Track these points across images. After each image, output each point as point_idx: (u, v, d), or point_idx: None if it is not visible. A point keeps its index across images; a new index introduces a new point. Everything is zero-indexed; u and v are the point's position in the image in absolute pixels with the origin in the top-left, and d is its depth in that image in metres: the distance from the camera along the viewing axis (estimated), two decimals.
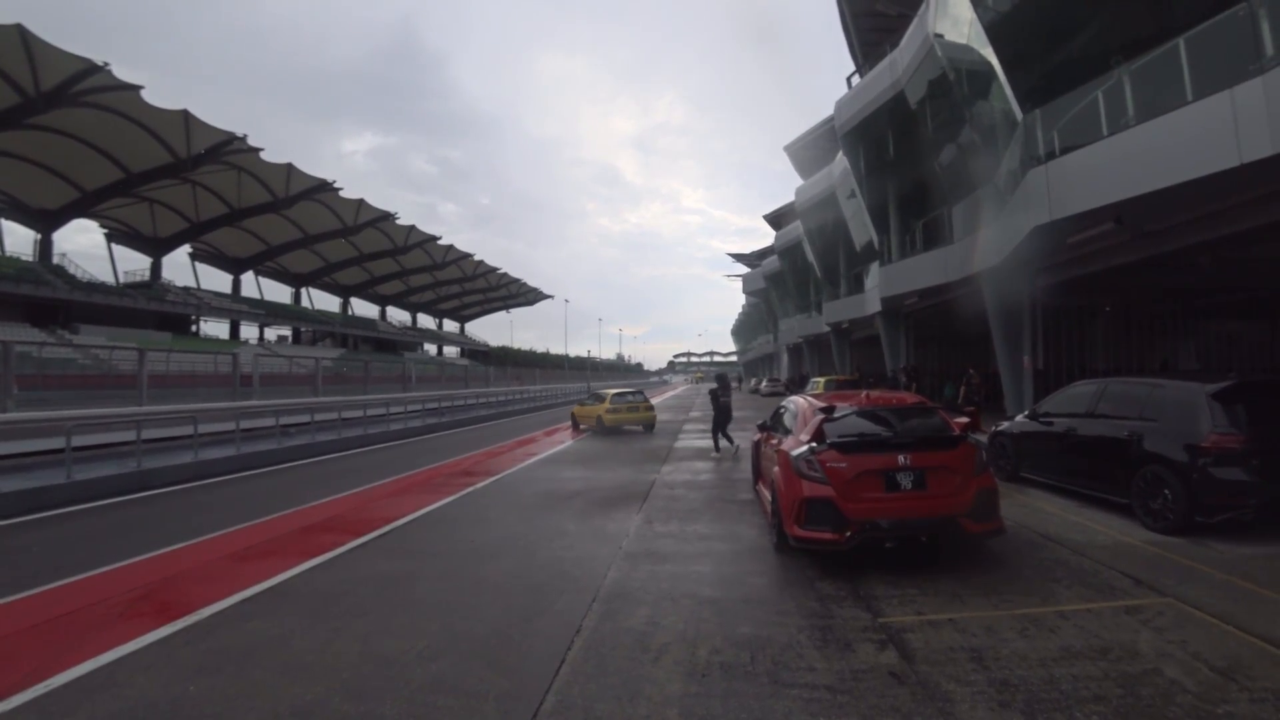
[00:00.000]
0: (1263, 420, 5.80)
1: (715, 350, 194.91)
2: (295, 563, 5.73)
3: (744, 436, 15.13)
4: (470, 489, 9.51)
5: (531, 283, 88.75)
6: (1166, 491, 5.98)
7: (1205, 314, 19.33)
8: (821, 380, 21.97)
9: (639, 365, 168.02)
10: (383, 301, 75.53)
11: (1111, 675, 3.27)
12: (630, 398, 19.16)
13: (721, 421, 13.27)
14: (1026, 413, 8.77)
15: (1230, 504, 5.62)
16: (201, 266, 53.51)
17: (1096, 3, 11.21)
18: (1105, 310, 18.70)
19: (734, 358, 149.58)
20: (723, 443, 13.26)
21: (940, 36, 14.35)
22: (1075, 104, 10.47)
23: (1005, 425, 9.13)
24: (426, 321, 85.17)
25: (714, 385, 13.75)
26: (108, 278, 45.29)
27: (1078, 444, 7.42)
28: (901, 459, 4.98)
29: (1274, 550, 5.31)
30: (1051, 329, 15.91)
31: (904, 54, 17.00)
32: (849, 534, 4.86)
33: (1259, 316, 18.76)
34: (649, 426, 18.73)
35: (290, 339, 60.77)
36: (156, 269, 48.52)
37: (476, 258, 71.39)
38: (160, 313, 45.19)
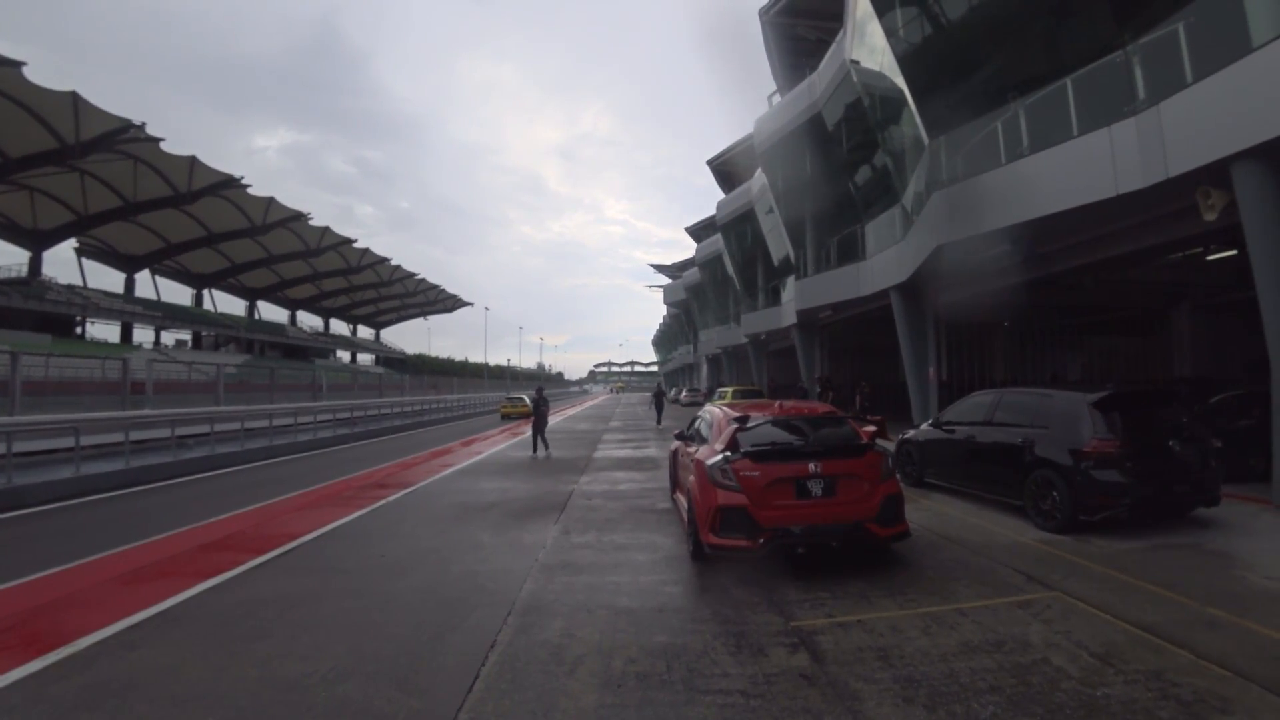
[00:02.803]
0: (1135, 426, 6.37)
1: (636, 360, 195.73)
2: (189, 584, 5.33)
3: (662, 446, 15.26)
4: (382, 502, 9.14)
5: (451, 289, 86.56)
6: (1054, 493, 6.45)
7: (1089, 330, 21.03)
8: (729, 390, 23.97)
9: (559, 375, 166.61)
10: (293, 306, 71.84)
11: (1005, 666, 3.48)
12: (516, 400, 32.22)
13: (539, 426, 15.08)
14: (931, 421, 9.24)
15: (1109, 503, 6.12)
16: (90, 263, 49.27)
17: (994, 41, 12.04)
18: (1004, 325, 20.00)
19: (654, 368, 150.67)
20: (541, 450, 14.77)
21: (856, 63, 15.05)
22: (976, 133, 11.20)
23: (911, 433, 9.59)
24: (340, 327, 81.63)
25: (533, 394, 15.83)
26: None
27: (977, 450, 7.88)
28: (812, 467, 5.13)
29: (1144, 544, 5.82)
30: (955, 342, 16.90)
31: (822, 77, 17.73)
32: (762, 540, 4.97)
33: (1134, 333, 20.56)
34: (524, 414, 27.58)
35: (190, 344, 56.85)
36: (36, 264, 44.24)
37: (394, 262, 69.07)
38: (39, 313, 41.23)
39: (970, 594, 4.67)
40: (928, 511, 7.53)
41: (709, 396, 38.80)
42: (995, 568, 5.29)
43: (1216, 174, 7.25)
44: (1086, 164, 8.60)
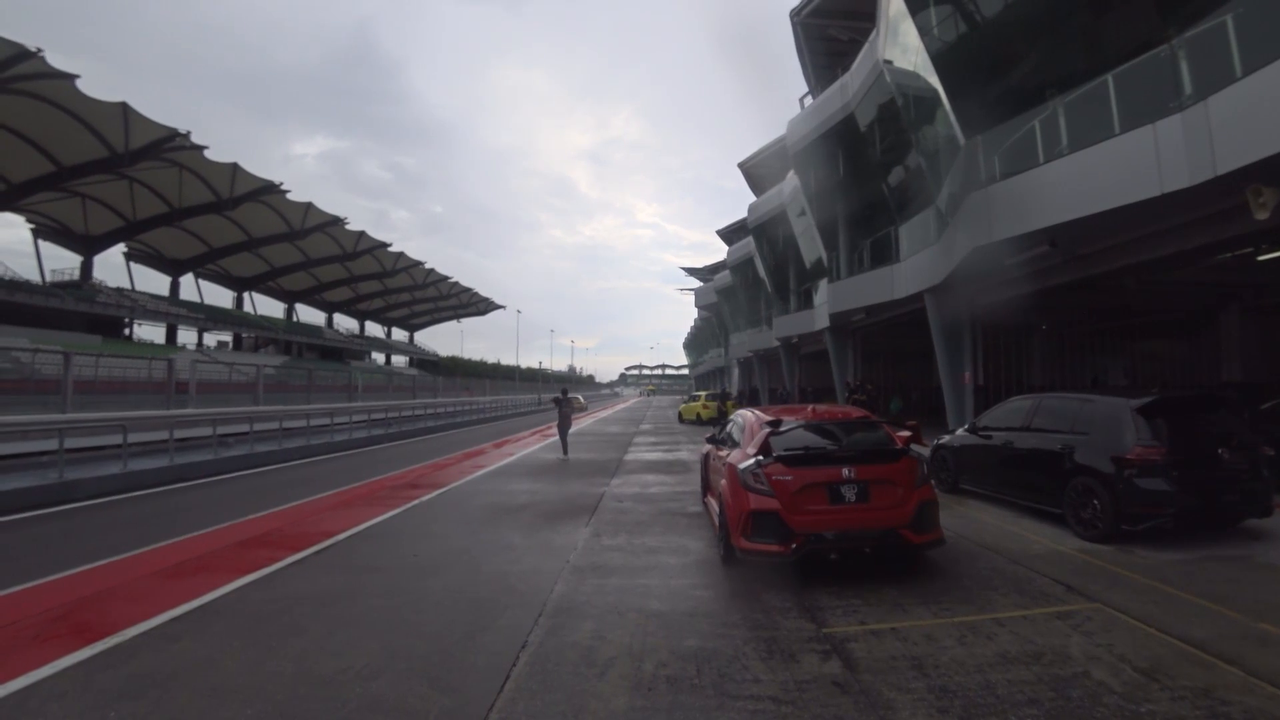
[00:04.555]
0: (1182, 433, 6.16)
1: (667, 363, 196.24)
2: (228, 580, 5.49)
3: (693, 449, 15.25)
4: (415, 502, 9.28)
5: (483, 292, 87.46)
6: (1095, 501, 6.26)
7: (1132, 333, 20.40)
8: (702, 394, 27.37)
9: (590, 377, 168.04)
10: (329, 308, 73.42)
11: (1044, 679, 3.39)
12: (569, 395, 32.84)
13: (563, 429, 15.42)
14: (966, 426, 9.05)
15: (1153, 513, 5.92)
16: (137, 267, 51.15)
17: (1032, 38, 11.76)
18: (1041, 328, 19.50)
19: (685, 371, 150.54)
20: (561, 452, 15.04)
21: (889, 63, 14.83)
22: (1014, 132, 10.94)
23: (946, 439, 9.41)
24: (375, 330, 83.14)
25: (556, 395, 16.15)
26: (34, 276, 42.88)
27: (1014, 457, 7.70)
28: (846, 472, 5.07)
29: (1190, 556, 5.62)
30: (991, 346, 16.51)
31: (854, 78, 17.50)
32: (794, 546, 4.93)
33: (1178, 336, 19.87)
34: (580, 409, 31.03)
35: (231, 345, 58.49)
36: (87, 268, 46.05)
37: (428, 266, 70.11)
38: (90, 314, 42.88)
39: (1007, 603, 4.57)
40: (963, 519, 7.39)
41: (740, 400, 38.67)
42: (1033, 577, 5.17)
43: (1269, 171, 6.97)
44: (1129, 162, 8.34)
